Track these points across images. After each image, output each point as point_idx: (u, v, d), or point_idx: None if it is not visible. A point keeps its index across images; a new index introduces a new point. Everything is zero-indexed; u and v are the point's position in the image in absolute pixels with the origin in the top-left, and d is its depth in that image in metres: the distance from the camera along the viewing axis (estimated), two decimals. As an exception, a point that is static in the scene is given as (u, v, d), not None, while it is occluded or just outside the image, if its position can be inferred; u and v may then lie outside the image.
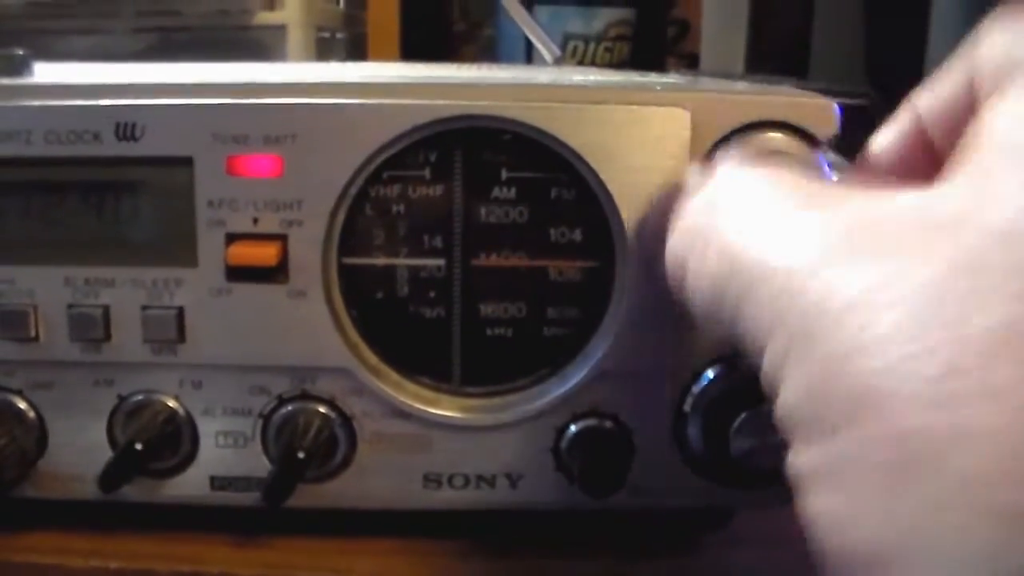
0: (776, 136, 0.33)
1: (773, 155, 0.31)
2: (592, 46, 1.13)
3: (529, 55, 1.05)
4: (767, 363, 0.21)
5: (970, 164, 0.20)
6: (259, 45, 1.11)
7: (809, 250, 0.21)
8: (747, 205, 0.24)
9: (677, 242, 0.27)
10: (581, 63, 1.13)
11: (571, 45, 1.13)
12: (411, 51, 1.20)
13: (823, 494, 0.19)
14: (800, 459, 0.20)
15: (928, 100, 0.27)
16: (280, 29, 1.12)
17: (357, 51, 1.27)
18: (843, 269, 0.20)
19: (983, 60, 0.23)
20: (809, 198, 0.23)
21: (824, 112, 0.33)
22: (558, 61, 0.67)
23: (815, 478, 0.20)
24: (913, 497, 0.17)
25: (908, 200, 0.21)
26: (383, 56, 1.19)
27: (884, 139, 0.29)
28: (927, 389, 0.17)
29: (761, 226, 0.23)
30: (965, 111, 0.24)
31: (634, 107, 0.32)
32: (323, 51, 1.21)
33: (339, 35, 1.30)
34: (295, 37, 1.12)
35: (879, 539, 0.18)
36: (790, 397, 0.21)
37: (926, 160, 0.27)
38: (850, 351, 0.19)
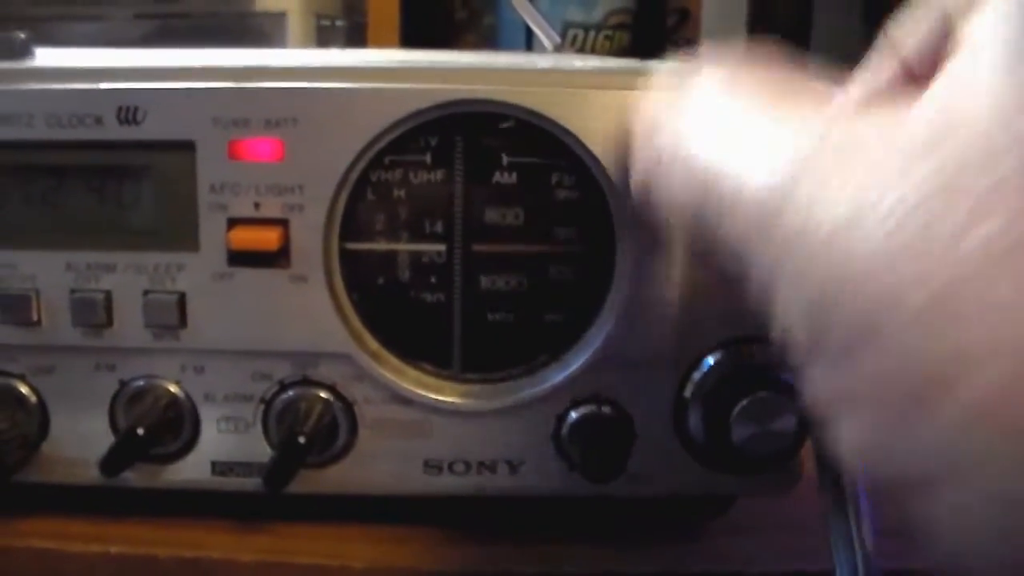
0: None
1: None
2: (592, 34, 1.13)
3: (529, 43, 1.05)
4: (756, 283, 0.21)
5: (944, 74, 0.19)
6: (259, 32, 1.11)
7: (785, 166, 0.20)
8: (712, 114, 0.23)
9: (641, 159, 0.26)
10: (581, 51, 1.13)
11: (571, 33, 1.12)
12: (411, 39, 1.20)
13: (848, 424, 0.19)
14: (816, 387, 0.20)
15: (911, 43, 0.24)
16: (280, 16, 1.12)
17: (357, 39, 1.27)
18: (823, 189, 0.19)
19: None
20: (779, 105, 0.22)
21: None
22: (558, 49, 0.66)
23: (836, 407, 0.19)
24: (933, 424, 0.17)
25: (887, 114, 0.20)
26: (383, 44, 1.19)
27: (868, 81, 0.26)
28: (929, 315, 0.17)
29: (731, 139, 0.22)
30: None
31: (635, 92, 0.32)
32: (323, 39, 1.21)
33: (339, 23, 1.29)
34: (295, 25, 1.12)
35: (917, 463, 0.18)
36: (785, 319, 0.20)
37: None
38: (845, 277, 0.18)
